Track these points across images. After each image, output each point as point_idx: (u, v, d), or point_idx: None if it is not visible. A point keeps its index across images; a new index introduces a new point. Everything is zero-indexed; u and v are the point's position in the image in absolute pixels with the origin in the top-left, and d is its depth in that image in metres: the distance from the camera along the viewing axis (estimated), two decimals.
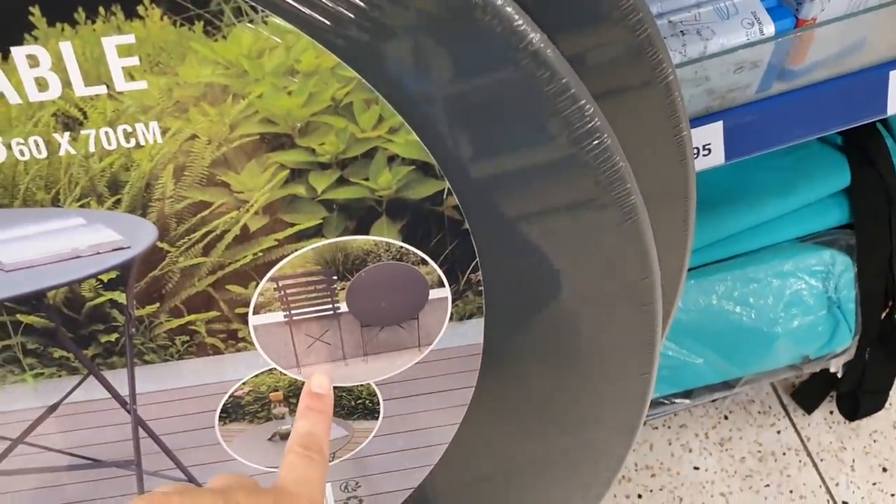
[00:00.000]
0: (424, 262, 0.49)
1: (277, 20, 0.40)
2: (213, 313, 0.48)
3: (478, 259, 0.50)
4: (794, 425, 1.30)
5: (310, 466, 0.48)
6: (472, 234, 0.48)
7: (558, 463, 0.64)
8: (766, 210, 1.05)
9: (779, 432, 1.29)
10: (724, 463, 1.26)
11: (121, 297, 0.47)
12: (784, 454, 1.27)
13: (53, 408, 0.51)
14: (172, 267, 0.46)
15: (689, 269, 0.64)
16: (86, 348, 0.49)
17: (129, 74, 0.40)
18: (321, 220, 0.46)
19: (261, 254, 0.47)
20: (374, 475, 0.59)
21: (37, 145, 0.41)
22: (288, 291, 0.49)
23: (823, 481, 1.25)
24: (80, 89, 0.40)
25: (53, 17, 0.38)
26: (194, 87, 0.41)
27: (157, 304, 0.47)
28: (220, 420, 0.53)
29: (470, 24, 0.41)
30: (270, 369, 0.52)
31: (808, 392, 1.29)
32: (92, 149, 0.42)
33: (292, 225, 0.46)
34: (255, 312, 0.49)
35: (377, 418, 0.56)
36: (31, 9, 0.38)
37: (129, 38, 0.39)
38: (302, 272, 0.48)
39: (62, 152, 0.42)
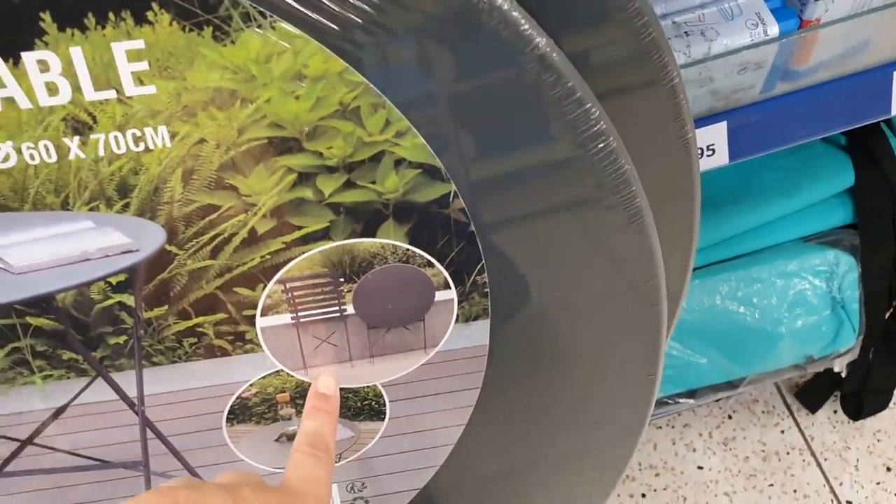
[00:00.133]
0: (430, 265, 0.49)
1: (285, 25, 0.40)
2: (221, 315, 0.49)
3: (483, 261, 0.50)
4: (797, 425, 1.30)
5: (316, 465, 0.48)
6: (477, 236, 0.49)
7: (563, 463, 0.64)
8: (770, 210, 1.05)
9: (783, 432, 1.29)
10: (727, 462, 1.27)
11: (129, 299, 0.47)
12: (788, 454, 1.27)
13: (62, 409, 0.51)
14: (181, 269, 0.46)
15: (693, 269, 0.64)
16: (94, 350, 0.49)
17: (139, 79, 0.40)
18: (328, 223, 0.46)
19: (268, 256, 0.47)
20: (380, 476, 0.60)
21: (47, 149, 0.42)
22: (295, 294, 0.49)
23: (827, 481, 1.25)
24: (90, 94, 0.40)
25: (64, 22, 0.38)
26: (203, 92, 0.41)
27: (166, 307, 0.48)
28: (227, 421, 0.54)
29: (476, 28, 0.41)
30: (277, 371, 0.52)
31: (812, 392, 1.29)
32: (101, 153, 0.42)
33: (300, 228, 0.46)
34: (262, 314, 0.49)
35: (383, 419, 0.56)
36: (41, 14, 0.38)
37: (139, 44, 0.39)
38: (309, 274, 0.48)
39: (72, 156, 0.42)
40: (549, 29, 0.44)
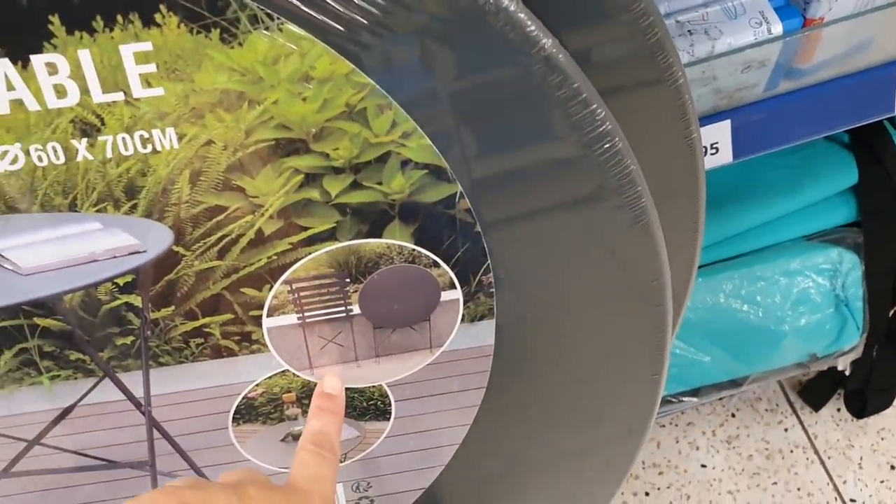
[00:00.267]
0: (436, 265, 0.50)
1: (292, 27, 0.40)
2: (228, 316, 0.49)
3: (489, 261, 0.50)
4: (801, 423, 1.30)
5: (321, 464, 0.48)
6: (483, 236, 0.49)
7: (567, 463, 0.64)
8: (774, 208, 1.05)
9: (786, 430, 1.29)
10: (731, 461, 1.27)
11: (136, 300, 0.47)
12: (791, 452, 1.27)
13: (69, 409, 0.52)
14: (188, 270, 0.47)
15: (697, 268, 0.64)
16: (101, 351, 0.49)
17: (147, 81, 0.40)
18: (335, 224, 0.47)
19: (275, 257, 0.47)
20: (385, 475, 0.60)
21: (55, 151, 0.42)
22: (301, 294, 0.49)
23: (831, 479, 1.25)
24: (98, 96, 0.40)
25: (72, 25, 0.39)
26: (210, 94, 0.41)
27: (173, 307, 0.48)
28: (233, 421, 0.54)
29: (483, 30, 0.41)
30: (283, 371, 0.52)
31: (816, 390, 1.29)
32: (109, 154, 0.42)
33: (306, 228, 0.46)
34: (268, 315, 0.49)
35: (389, 419, 0.56)
36: (50, 17, 0.38)
37: (147, 46, 0.39)
38: (315, 275, 0.48)
39: (80, 158, 0.42)
40: (555, 29, 0.44)
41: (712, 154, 0.81)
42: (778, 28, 0.81)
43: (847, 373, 1.21)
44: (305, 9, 0.39)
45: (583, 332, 0.56)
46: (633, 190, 0.49)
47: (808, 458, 1.27)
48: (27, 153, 0.42)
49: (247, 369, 0.52)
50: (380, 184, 0.46)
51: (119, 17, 0.39)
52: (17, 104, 0.40)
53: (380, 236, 0.48)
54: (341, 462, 0.58)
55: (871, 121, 0.84)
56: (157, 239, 0.45)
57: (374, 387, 0.54)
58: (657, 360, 0.58)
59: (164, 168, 0.43)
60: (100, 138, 0.42)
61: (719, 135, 0.80)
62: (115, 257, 0.46)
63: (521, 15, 0.41)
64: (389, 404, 0.56)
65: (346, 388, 0.54)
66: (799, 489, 1.24)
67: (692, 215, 0.59)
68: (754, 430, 1.29)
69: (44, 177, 0.43)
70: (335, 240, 0.47)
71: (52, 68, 0.40)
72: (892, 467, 1.26)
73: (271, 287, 0.48)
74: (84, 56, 0.39)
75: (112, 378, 0.50)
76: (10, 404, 0.50)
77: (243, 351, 0.51)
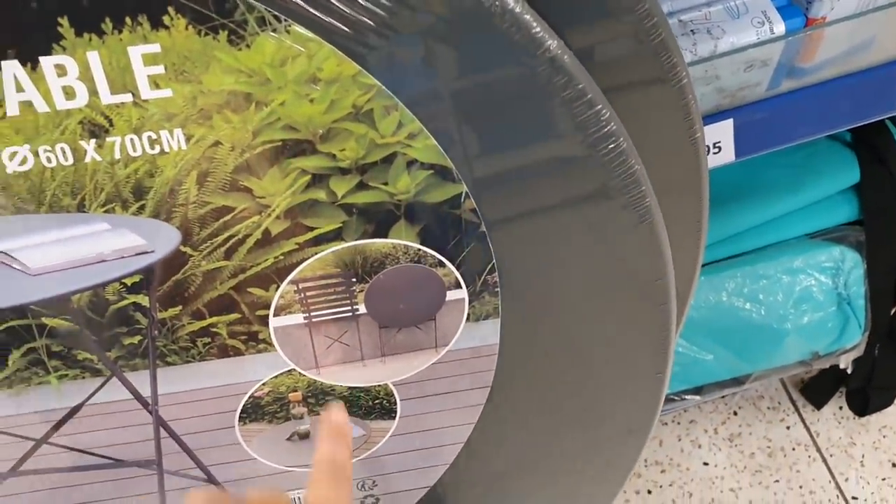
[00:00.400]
0: (442, 265, 0.50)
1: (299, 29, 0.40)
2: (235, 315, 0.49)
3: (494, 261, 0.50)
4: (803, 421, 1.30)
5: (337, 486, 0.48)
6: (488, 236, 0.49)
7: (571, 462, 0.65)
8: (776, 206, 1.05)
9: (788, 428, 1.29)
10: (733, 458, 1.27)
11: (144, 300, 0.48)
12: (793, 449, 1.28)
13: (77, 409, 0.52)
14: (195, 270, 0.47)
15: None
16: (109, 350, 0.50)
17: (155, 83, 0.41)
18: (341, 224, 0.47)
19: (282, 257, 0.47)
20: (390, 474, 0.60)
21: (63, 152, 0.42)
22: (308, 294, 0.49)
23: (833, 476, 1.25)
24: (107, 97, 0.41)
25: (81, 27, 0.39)
26: (218, 95, 0.41)
27: (180, 307, 0.48)
28: (240, 420, 0.54)
29: (488, 31, 0.42)
30: (290, 370, 0.52)
31: (818, 388, 1.29)
32: (117, 155, 0.43)
33: (313, 229, 0.47)
34: (275, 314, 0.50)
35: (394, 418, 0.57)
36: (59, 19, 0.39)
37: (155, 48, 0.40)
38: (321, 275, 0.49)
39: (88, 159, 0.42)
40: (559, 29, 0.44)
41: (715, 153, 0.81)
42: (780, 27, 0.82)
43: (849, 371, 1.22)
44: (312, 11, 0.40)
45: (587, 330, 0.56)
46: (637, 189, 0.49)
47: (810, 456, 1.27)
48: (36, 154, 0.42)
49: (253, 369, 0.52)
50: (386, 184, 0.46)
51: (128, 19, 0.39)
52: (27, 105, 0.40)
53: (386, 236, 0.48)
54: None
55: (872, 120, 0.85)
56: (165, 239, 0.46)
57: (379, 386, 0.55)
58: (661, 359, 0.59)
59: (172, 169, 0.43)
60: (108, 139, 0.42)
61: (722, 134, 0.80)
62: (122, 257, 0.46)
63: (527, 16, 0.42)
64: (395, 403, 0.56)
65: (352, 388, 0.54)
66: (801, 487, 1.25)
67: (696, 214, 0.59)
68: (756, 427, 1.29)
69: (52, 178, 0.43)
70: (341, 240, 0.48)
71: (60, 70, 0.40)
72: (894, 465, 1.26)
73: (278, 287, 0.49)
74: (93, 58, 0.40)
75: (119, 377, 0.50)
76: (18, 403, 0.51)
77: (250, 350, 0.51)
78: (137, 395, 0.52)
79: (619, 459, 0.66)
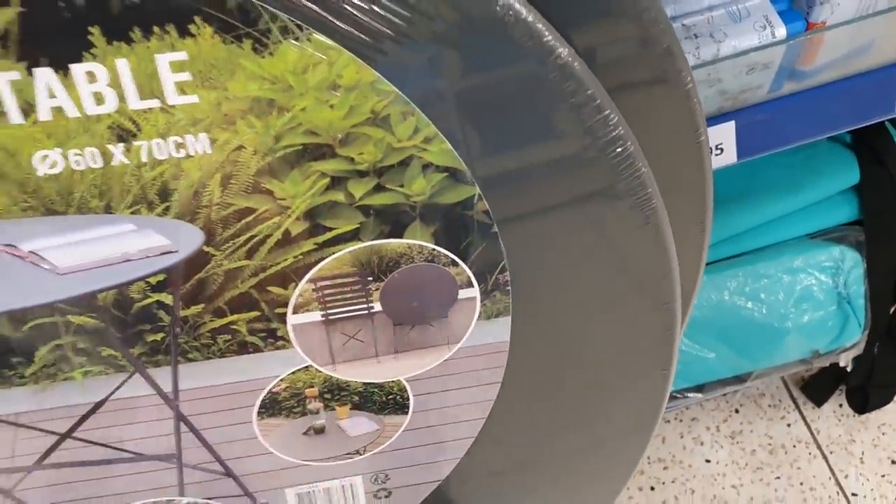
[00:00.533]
0: (455, 264, 0.51)
1: (321, 37, 0.42)
2: (255, 313, 0.51)
3: (505, 260, 0.52)
4: (804, 418, 1.31)
5: None
6: (499, 236, 0.51)
7: (577, 459, 0.66)
8: (777, 207, 1.06)
9: (789, 425, 1.31)
10: (735, 455, 1.28)
11: (167, 298, 0.49)
12: (794, 447, 1.29)
13: (100, 404, 0.53)
14: (217, 270, 0.49)
15: None
16: (132, 347, 0.51)
17: (181, 89, 0.42)
18: (358, 225, 0.48)
19: (301, 256, 0.49)
20: (402, 468, 0.61)
21: (92, 156, 0.44)
22: (325, 292, 0.51)
23: (833, 473, 1.26)
24: (135, 103, 0.42)
25: (111, 36, 0.40)
26: (242, 101, 0.43)
27: (202, 305, 0.50)
28: (258, 415, 0.56)
29: (501, 39, 0.43)
30: (307, 366, 0.54)
31: (818, 386, 1.30)
32: (144, 159, 0.44)
33: (331, 229, 0.48)
34: (293, 312, 0.51)
35: (407, 413, 0.58)
36: (90, 28, 0.40)
37: (182, 55, 0.41)
38: (339, 274, 0.50)
39: (116, 162, 0.44)
40: (566, 34, 0.46)
41: (717, 154, 0.82)
42: (781, 31, 0.82)
43: (849, 369, 1.22)
44: (333, 20, 0.41)
45: (594, 327, 0.58)
46: (643, 191, 0.50)
47: (810, 453, 1.28)
48: (66, 158, 0.43)
49: (271, 365, 0.53)
50: (402, 186, 0.47)
51: (156, 28, 0.41)
52: (58, 111, 0.42)
53: (401, 236, 0.50)
54: (361, 455, 0.59)
55: (872, 121, 0.86)
56: (189, 239, 0.47)
57: (392, 382, 0.56)
58: (666, 357, 0.60)
59: (197, 172, 0.45)
60: (135, 143, 0.44)
61: (724, 136, 0.81)
62: (147, 257, 0.47)
63: (539, 25, 0.43)
64: (408, 399, 0.57)
65: (366, 384, 0.56)
66: (801, 483, 1.26)
67: (700, 215, 0.61)
68: (757, 425, 1.31)
69: (81, 180, 0.44)
70: (358, 240, 0.49)
71: (91, 77, 0.41)
72: (893, 462, 1.27)
73: (297, 285, 0.50)
74: (122, 65, 0.41)
75: (142, 373, 0.52)
76: (43, 399, 0.52)
77: (268, 347, 0.52)
78: (159, 391, 0.53)
79: (624, 456, 0.67)
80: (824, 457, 1.28)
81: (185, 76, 0.42)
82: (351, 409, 0.57)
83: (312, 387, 0.55)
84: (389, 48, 0.43)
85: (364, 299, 0.52)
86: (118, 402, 0.53)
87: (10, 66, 0.40)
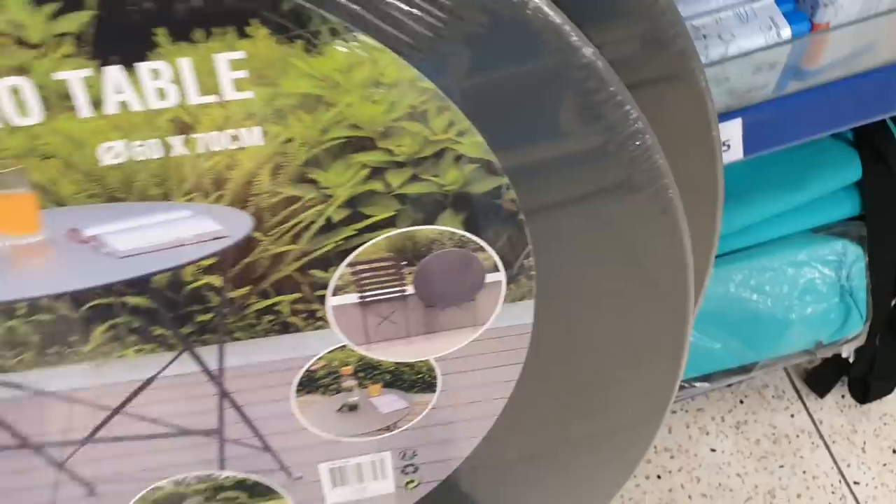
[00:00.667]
0: (482, 249, 0.55)
1: (366, 38, 0.45)
2: (297, 295, 0.54)
3: (530, 246, 0.55)
4: (806, 409, 1.32)
5: None
6: (525, 224, 0.54)
7: (588, 444, 0.69)
8: (781, 202, 1.07)
9: (792, 416, 1.32)
10: (739, 445, 1.29)
11: (217, 280, 0.53)
12: (797, 436, 1.30)
13: (150, 380, 0.57)
14: (264, 254, 0.52)
15: None
16: (182, 327, 0.55)
17: (238, 86, 0.46)
18: (395, 212, 0.52)
19: (341, 242, 0.52)
20: (429, 444, 0.65)
21: (154, 147, 0.47)
22: (362, 276, 0.54)
23: (835, 462, 1.28)
24: (195, 98, 0.46)
25: (175, 36, 0.44)
26: (293, 97, 0.47)
27: (249, 287, 0.53)
28: (296, 392, 0.59)
29: (530, 40, 0.47)
30: (343, 346, 0.57)
31: (821, 377, 1.31)
32: (201, 150, 0.48)
33: (370, 216, 0.52)
34: (333, 294, 0.55)
35: (434, 391, 0.62)
36: (155, 30, 0.44)
37: (240, 55, 0.45)
38: (375, 258, 0.54)
39: (175, 153, 0.48)
40: (589, 33, 0.49)
41: (724, 151, 0.84)
42: (787, 32, 0.85)
43: (851, 360, 1.24)
44: (379, 23, 0.45)
45: (610, 314, 0.61)
46: (660, 182, 0.54)
47: (813, 443, 1.30)
48: (129, 149, 0.47)
49: (310, 344, 0.57)
50: (436, 176, 0.51)
51: (217, 30, 0.44)
52: (124, 105, 0.46)
53: (433, 223, 0.53)
54: (390, 431, 0.63)
55: (874, 119, 0.88)
56: (239, 225, 0.51)
57: (422, 361, 0.60)
58: (679, 345, 0.62)
59: (249, 162, 0.48)
60: (193, 136, 0.47)
61: (731, 132, 0.83)
62: (200, 242, 0.51)
63: (566, 27, 0.47)
64: (435, 378, 0.61)
65: (398, 363, 0.59)
66: (804, 472, 1.27)
67: (711, 209, 0.64)
68: (762, 415, 1.32)
69: (143, 169, 0.48)
70: (394, 226, 0.53)
71: (155, 74, 0.45)
72: (894, 451, 1.29)
73: (336, 269, 0.54)
74: (184, 63, 0.45)
75: (191, 352, 0.56)
76: (98, 375, 0.56)
77: (308, 327, 0.56)
78: (205, 369, 0.57)
79: (634, 444, 0.70)
80: (827, 446, 1.30)
81: (241, 74, 0.45)
82: (383, 387, 0.60)
83: (348, 365, 0.59)
84: (428, 47, 0.46)
85: (398, 282, 0.55)
86: (166, 380, 0.57)
87: (83, 65, 0.44)
